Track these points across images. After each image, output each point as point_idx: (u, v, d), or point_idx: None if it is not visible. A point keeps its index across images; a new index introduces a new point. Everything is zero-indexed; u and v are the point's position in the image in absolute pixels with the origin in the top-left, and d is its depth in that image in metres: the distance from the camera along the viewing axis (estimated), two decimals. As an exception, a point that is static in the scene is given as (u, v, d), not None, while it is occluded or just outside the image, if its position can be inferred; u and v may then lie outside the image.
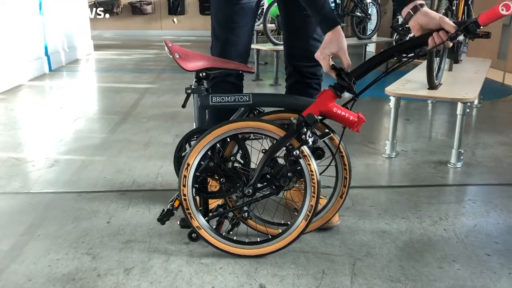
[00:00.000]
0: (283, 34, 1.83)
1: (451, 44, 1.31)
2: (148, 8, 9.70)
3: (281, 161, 1.50)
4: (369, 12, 5.13)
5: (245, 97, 1.50)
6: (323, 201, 1.66)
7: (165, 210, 1.53)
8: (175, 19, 9.94)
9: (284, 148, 1.46)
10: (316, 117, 1.41)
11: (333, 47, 1.41)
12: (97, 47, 7.11)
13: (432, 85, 2.41)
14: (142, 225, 1.72)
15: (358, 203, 1.92)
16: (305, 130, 1.41)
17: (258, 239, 1.53)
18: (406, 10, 1.36)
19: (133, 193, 2.00)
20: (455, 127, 2.32)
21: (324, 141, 1.50)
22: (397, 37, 5.54)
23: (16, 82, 4.30)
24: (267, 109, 1.56)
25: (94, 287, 1.36)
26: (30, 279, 1.39)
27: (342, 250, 1.56)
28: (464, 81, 2.73)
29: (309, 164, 1.45)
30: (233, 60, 1.66)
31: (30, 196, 1.97)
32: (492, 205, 1.90)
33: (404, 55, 1.35)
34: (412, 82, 2.62)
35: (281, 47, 4.51)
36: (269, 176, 1.49)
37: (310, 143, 1.43)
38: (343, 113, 1.44)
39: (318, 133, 1.48)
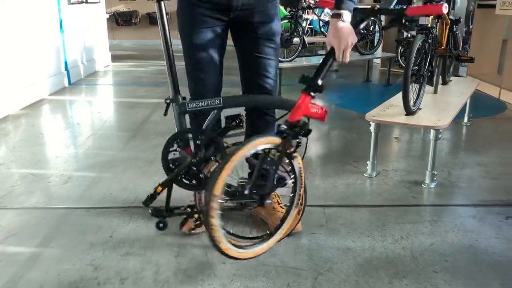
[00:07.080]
0: (239, 71, 2.02)
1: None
2: (165, 19, 10.04)
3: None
4: (370, 29, 5.33)
5: (216, 100, 1.74)
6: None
7: (149, 195, 1.74)
8: (190, 29, 10.25)
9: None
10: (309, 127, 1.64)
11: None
12: (115, 58, 7.45)
13: (408, 111, 2.61)
14: (140, 239, 1.99)
15: (331, 221, 2.16)
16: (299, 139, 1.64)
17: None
18: None
19: (134, 209, 2.27)
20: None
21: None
22: (401, 50, 5.76)
23: (38, 96, 4.65)
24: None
25: (94, 294, 1.63)
26: (42, 286, 1.67)
27: (308, 265, 1.81)
28: (443, 105, 2.92)
29: (299, 162, 1.70)
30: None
31: (45, 211, 2.26)
32: (452, 225, 2.11)
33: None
34: (395, 106, 2.83)
35: (285, 64, 4.79)
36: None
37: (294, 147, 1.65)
38: (317, 111, 1.67)
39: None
